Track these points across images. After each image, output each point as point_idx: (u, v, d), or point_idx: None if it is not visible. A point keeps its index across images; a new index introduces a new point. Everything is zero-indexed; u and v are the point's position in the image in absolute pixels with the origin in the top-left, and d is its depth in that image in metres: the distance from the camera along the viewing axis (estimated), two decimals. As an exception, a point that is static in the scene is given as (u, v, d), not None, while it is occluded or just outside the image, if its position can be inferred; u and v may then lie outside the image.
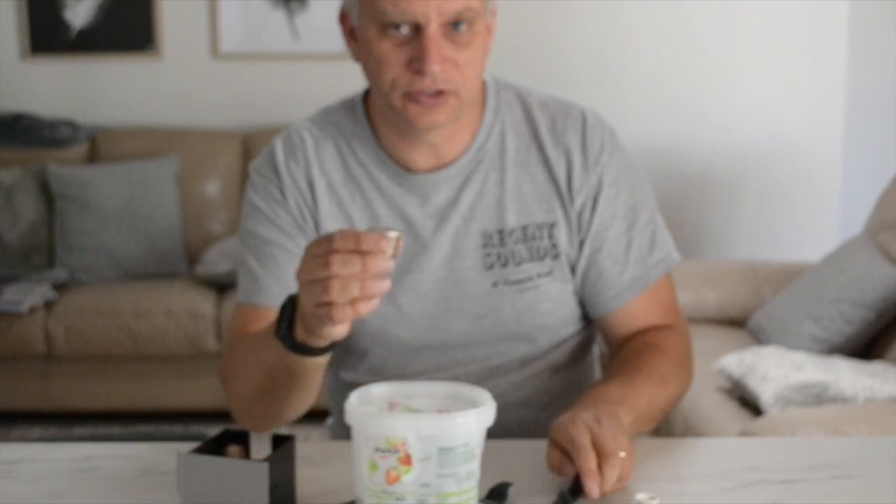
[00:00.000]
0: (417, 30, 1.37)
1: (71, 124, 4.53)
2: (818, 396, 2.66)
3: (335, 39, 4.62)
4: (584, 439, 1.23)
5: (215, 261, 4.14)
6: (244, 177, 4.46)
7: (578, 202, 1.51)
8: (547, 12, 4.60)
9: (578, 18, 4.69)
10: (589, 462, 1.22)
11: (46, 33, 4.60)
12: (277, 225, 1.51)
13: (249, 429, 1.26)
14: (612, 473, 1.22)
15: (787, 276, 3.48)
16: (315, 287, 1.14)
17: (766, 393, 2.69)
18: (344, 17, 1.47)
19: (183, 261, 4.34)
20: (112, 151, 4.48)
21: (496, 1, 1.46)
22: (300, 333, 1.24)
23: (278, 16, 4.60)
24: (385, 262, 1.12)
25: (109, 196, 4.26)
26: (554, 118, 1.53)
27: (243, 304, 1.52)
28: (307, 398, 1.38)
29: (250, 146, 4.52)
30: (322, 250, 1.13)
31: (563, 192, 1.51)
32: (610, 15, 4.69)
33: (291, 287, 1.48)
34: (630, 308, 1.55)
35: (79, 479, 1.33)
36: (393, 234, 1.13)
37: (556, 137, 1.52)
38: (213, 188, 4.47)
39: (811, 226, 4.68)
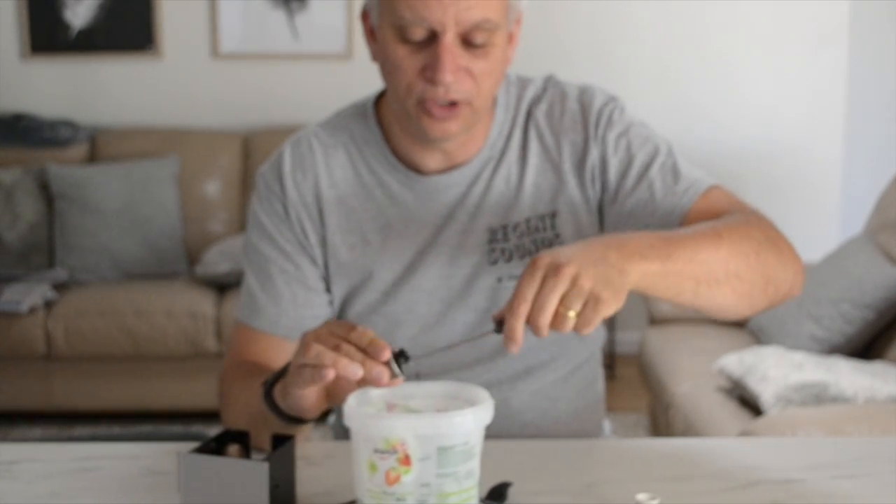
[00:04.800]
0: (434, 36, 1.35)
1: (71, 124, 4.53)
2: (818, 396, 2.65)
3: (335, 39, 4.62)
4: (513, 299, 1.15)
5: (215, 261, 4.13)
6: (244, 177, 4.47)
7: (588, 174, 1.49)
8: (548, 11, 4.59)
9: (579, 17, 4.69)
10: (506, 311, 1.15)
11: (46, 33, 4.60)
12: (278, 243, 1.51)
13: None
14: (514, 324, 1.13)
15: (787, 276, 3.47)
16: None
17: (766, 393, 2.68)
18: (365, 16, 1.46)
19: (183, 261, 4.34)
20: (112, 151, 4.48)
21: (521, 6, 1.42)
22: (278, 393, 1.28)
23: (278, 16, 4.60)
24: (381, 376, 1.15)
25: (109, 196, 4.26)
26: (551, 105, 1.52)
27: (241, 322, 1.54)
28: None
29: (250, 146, 4.52)
30: (340, 332, 1.18)
31: (566, 177, 1.49)
32: (611, 14, 4.69)
33: (287, 311, 1.50)
34: None
35: (79, 479, 1.33)
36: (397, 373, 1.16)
37: (553, 125, 1.51)
38: (213, 188, 4.47)
39: (811, 226, 4.68)
